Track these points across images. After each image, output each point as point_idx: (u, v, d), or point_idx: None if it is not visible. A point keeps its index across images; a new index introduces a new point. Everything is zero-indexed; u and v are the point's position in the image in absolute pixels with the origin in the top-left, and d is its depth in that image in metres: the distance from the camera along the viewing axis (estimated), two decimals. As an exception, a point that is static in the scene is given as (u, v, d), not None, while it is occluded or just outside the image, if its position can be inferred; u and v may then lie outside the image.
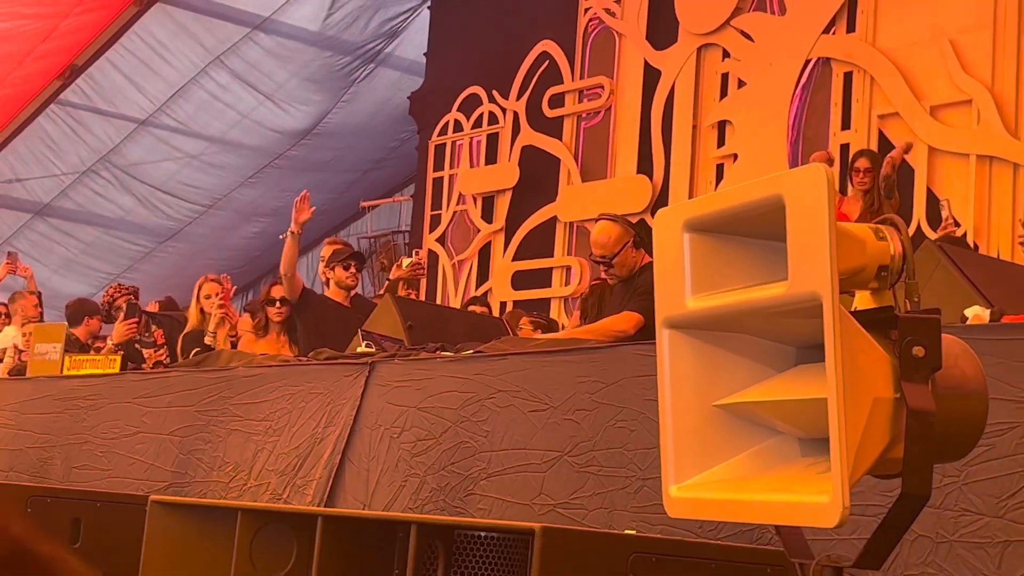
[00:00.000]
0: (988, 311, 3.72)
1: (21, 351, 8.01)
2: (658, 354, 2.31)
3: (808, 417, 2.08)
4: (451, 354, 4.97)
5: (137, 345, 7.86)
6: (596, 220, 6.08)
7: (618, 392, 3.94)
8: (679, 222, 2.28)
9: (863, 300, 2.20)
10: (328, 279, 7.45)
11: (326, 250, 7.72)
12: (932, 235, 8.03)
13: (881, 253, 2.13)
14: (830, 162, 9.05)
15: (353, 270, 7.36)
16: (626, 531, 3.07)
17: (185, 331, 7.82)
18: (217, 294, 7.61)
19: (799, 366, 2.18)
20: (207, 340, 7.27)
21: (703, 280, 2.25)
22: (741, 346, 2.24)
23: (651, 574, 2.77)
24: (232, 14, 13.11)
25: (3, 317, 9.33)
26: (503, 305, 12.15)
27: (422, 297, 12.04)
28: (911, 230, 8.29)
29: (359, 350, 5.58)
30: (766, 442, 2.20)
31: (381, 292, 8.77)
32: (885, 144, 9.68)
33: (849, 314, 2.04)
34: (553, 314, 11.21)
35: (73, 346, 7.68)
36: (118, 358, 6.92)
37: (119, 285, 9.06)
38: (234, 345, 7.46)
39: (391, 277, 9.33)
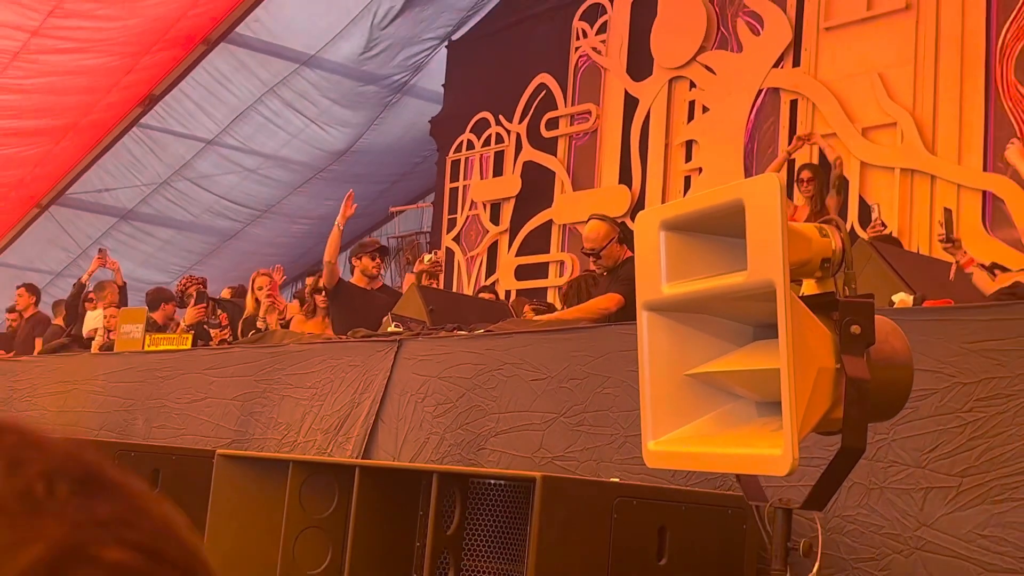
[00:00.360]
0: (912, 296, 3.72)
1: (109, 331, 8.01)
2: (638, 332, 2.30)
3: (764, 384, 2.07)
4: (465, 333, 4.97)
5: (205, 326, 7.86)
6: (587, 220, 6.08)
7: (605, 364, 3.93)
8: (656, 222, 2.27)
9: (809, 287, 2.19)
10: (355, 267, 7.44)
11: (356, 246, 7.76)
12: (864, 234, 8.01)
13: (824, 248, 2.12)
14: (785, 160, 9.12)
15: (378, 260, 7.35)
16: (611, 479, 3.06)
17: (244, 316, 7.83)
18: (267, 286, 7.62)
19: (756, 342, 2.18)
20: (259, 324, 7.28)
21: (676, 270, 2.24)
22: (707, 325, 2.23)
23: (632, 515, 2.76)
24: (284, 52, 13.11)
25: (90, 303, 9.33)
26: (508, 293, 12.14)
27: (441, 286, 12.07)
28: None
29: (389, 329, 5.58)
30: (728, 405, 2.20)
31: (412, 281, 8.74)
32: (824, 160, 9.69)
33: (798, 298, 2.03)
34: (550, 299, 11.19)
35: (152, 327, 7.68)
36: (189, 336, 6.93)
37: (191, 276, 9.05)
38: (286, 326, 7.47)
39: (415, 271, 9.34)
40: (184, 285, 8.65)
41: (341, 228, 7.20)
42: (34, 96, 12.24)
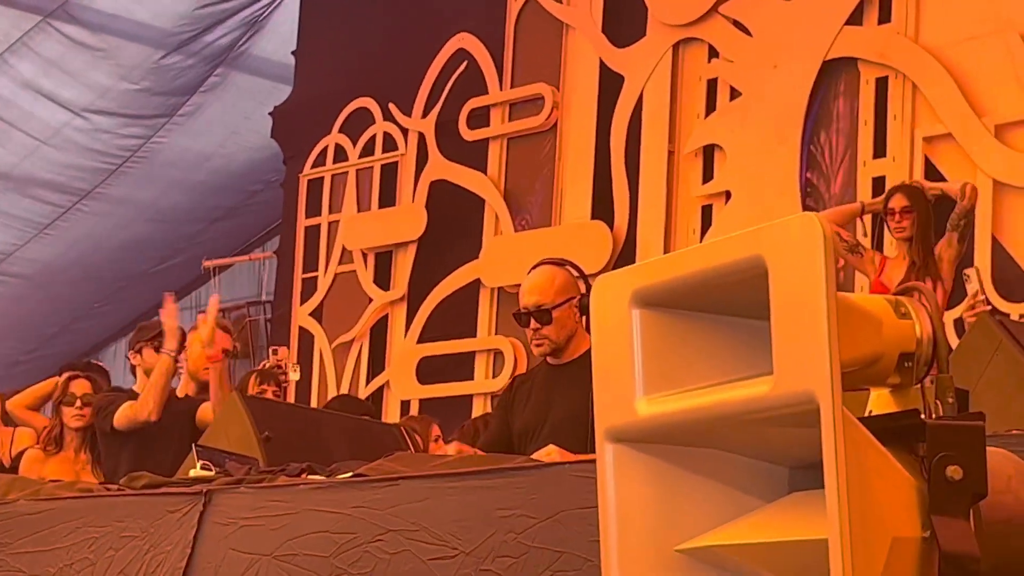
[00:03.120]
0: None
1: None
2: (599, 478, 2.31)
3: (804, 565, 2.08)
4: (322, 478, 4.95)
5: None
6: (533, 268, 6.09)
7: (554, 530, 3.94)
8: (626, 293, 2.29)
9: (880, 402, 2.21)
10: (134, 365, 7.43)
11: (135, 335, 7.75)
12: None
13: (904, 336, 2.15)
14: (861, 212, 9.12)
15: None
16: None
17: None
18: None
19: (792, 494, 2.19)
20: None
21: (659, 375, 2.26)
22: (712, 466, 2.25)
23: None
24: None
25: None
26: (405, 405, 12.15)
27: (290, 396, 12.04)
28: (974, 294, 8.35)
29: (192, 473, 5.54)
30: (745, 599, 2.22)
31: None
32: (934, 175, 9.77)
33: (858, 421, 2.05)
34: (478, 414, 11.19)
35: None
36: None
37: None
38: (13, 469, 7.40)
39: (253, 373, 9.35)
40: None
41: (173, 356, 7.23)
42: None
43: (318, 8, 14.21)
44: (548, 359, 6.03)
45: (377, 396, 12.27)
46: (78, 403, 7.46)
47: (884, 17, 10.41)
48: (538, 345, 5.90)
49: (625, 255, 11.28)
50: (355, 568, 4.36)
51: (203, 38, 13.97)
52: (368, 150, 13.45)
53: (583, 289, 5.78)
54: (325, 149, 13.74)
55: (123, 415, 7.13)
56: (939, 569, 2.03)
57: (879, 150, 10.26)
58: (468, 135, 12.69)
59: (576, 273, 5.96)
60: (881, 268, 8.54)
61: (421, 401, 12.13)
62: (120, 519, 5.10)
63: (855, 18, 10.51)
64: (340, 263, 13.50)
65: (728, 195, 11.09)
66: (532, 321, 5.82)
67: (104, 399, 7.42)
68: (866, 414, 2.16)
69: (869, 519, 1.98)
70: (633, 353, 2.27)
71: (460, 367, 12.37)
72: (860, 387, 2.19)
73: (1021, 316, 8.51)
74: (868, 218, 9.03)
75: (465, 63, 12.86)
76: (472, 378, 12.25)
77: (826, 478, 1.95)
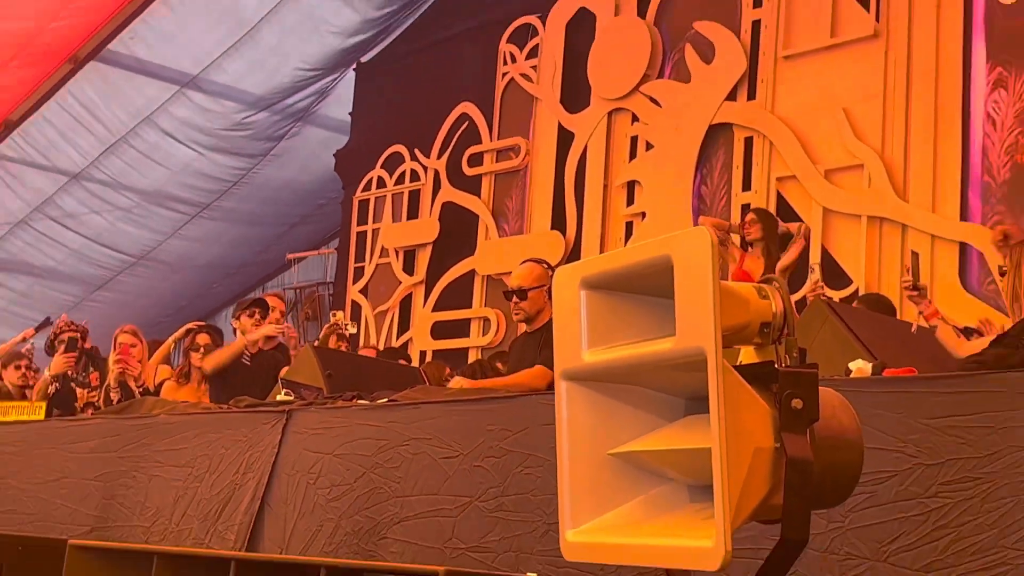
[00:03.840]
0: (871, 364, 3.76)
1: None
2: (556, 404, 2.31)
3: (695, 465, 2.08)
4: (367, 402, 4.94)
5: (73, 383, 7.74)
6: (521, 263, 6.22)
7: (525, 439, 3.93)
8: (576, 279, 2.29)
9: (747, 355, 2.21)
10: (235, 329, 7.41)
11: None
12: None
13: (763, 311, 2.15)
14: (727, 229, 9.17)
15: (257, 317, 7.33)
16: (529, 574, 3.06)
17: (106, 382, 7.73)
18: (132, 345, 7.56)
19: (687, 417, 2.19)
20: (112, 394, 7.17)
21: (598, 334, 2.25)
22: (634, 397, 2.24)
23: (552, 615, 2.76)
24: (164, 73, 13.04)
25: None
26: (423, 354, 12.10)
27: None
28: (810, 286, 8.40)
29: (279, 398, 5.54)
30: (657, 489, 2.20)
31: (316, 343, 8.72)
32: (783, 204, 9.79)
33: (732, 368, 2.05)
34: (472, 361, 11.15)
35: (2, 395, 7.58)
36: (43, 405, 6.82)
37: (70, 321, 8.88)
38: (156, 393, 7.38)
39: (325, 330, 9.30)
40: (59, 329, 8.46)
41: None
42: None
43: (367, 84, 14.13)
44: (524, 325, 6.12)
45: (403, 348, 12.22)
46: (201, 350, 7.43)
47: (751, 95, 10.40)
48: (516, 315, 6.03)
49: (573, 255, 11.26)
50: (389, 463, 4.35)
51: (287, 102, 13.88)
52: (399, 180, 13.37)
53: (550, 281, 5.82)
54: (371, 179, 13.67)
55: (207, 361, 7.16)
56: (785, 470, 2.03)
57: (746, 186, 10.26)
58: (468, 171, 12.62)
59: (548, 268, 6.03)
60: (741, 260, 8.69)
61: (434, 352, 12.10)
62: (229, 428, 5.10)
63: (731, 96, 10.49)
64: (380, 257, 13.42)
65: (644, 215, 11.07)
66: (514, 298, 5.92)
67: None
68: (738, 363, 2.16)
69: (738, 434, 1.98)
70: (580, 320, 2.26)
71: (460, 329, 12.35)
72: (733, 345, 2.19)
73: (840, 299, 8.51)
74: (738, 230, 9.04)
75: (467, 122, 12.80)
76: (468, 336, 12.23)
77: (711, 406, 1.95)
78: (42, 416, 6.63)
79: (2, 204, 13.81)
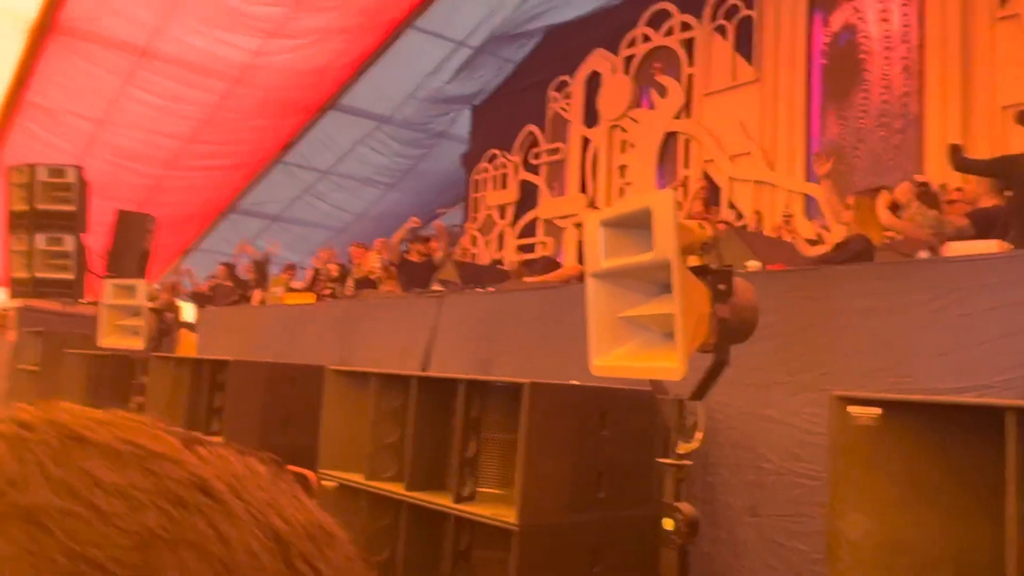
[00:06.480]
0: (760, 263, 3.68)
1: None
2: (586, 291, 2.27)
3: (665, 323, 2.04)
4: (483, 291, 4.92)
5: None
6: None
7: (568, 310, 3.90)
8: (597, 221, 2.23)
9: (693, 261, 2.15)
10: (410, 248, 7.36)
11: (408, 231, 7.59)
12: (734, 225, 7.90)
13: (702, 236, 2.08)
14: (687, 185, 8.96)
15: (420, 245, 7.30)
16: (572, 381, 3.04)
17: (357, 276, 7.71)
18: (380, 251, 7.55)
19: (660, 296, 2.14)
20: (347, 291, 7.15)
21: (610, 250, 2.20)
22: (631, 285, 2.20)
23: (585, 403, 2.75)
24: (369, 114, 12.99)
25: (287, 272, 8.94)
26: (511, 263, 12.06)
27: (469, 260, 11.99)
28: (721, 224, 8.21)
29: (435, 288, 5.54)
30: (644, 336, 2.17)
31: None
32: (712, 184, 9.57)
33: (686, 268, 2.00)
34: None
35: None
36: (314, 294, 6.82)
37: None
38: (375, 286, 7.41)
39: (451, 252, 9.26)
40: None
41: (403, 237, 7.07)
42: (219, 146, 12.20)
43: (478, 116, 13.97)
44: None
45: (500, 260, 12.23)
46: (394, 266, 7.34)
47: (688, 115, 10.13)
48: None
49: (592, 206, 11.16)
50: (497, 323, 4.32)
51: (430, 125, 13.74)
52: (498, 167, 13.27)
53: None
54: (481, 168, 13.57)
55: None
56: (717, 324, 1.98)
57: (685, 165, 10.04)
58: (532, 162, 12.52)
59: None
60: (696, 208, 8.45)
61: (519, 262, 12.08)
62: (411, 305, 5.07)
63: (677, 116, 10.25)
64: (486, 210, 13.37)
65: (629, 184, 10.90)
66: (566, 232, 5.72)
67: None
68: (688, 266, 2.11)
69: (689, 304, 1.93)
70: (600, 243, 2.21)
71: (529, 248, 12.29)
72: (686, 255, 2.13)
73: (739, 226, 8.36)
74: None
75: (531, 135, 12.64)
76: (534, 251, 12.16)
77: (673, 290, 1.90)
78: (313, 300, 6.64)
79: (291, 186, 13.90)
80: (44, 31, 9.56)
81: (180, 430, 0.32)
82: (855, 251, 3.49)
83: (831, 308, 2.81)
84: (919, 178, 5.87)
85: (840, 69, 8.78)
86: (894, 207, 4.50)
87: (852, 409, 1.77)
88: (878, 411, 1.74)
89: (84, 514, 0.27)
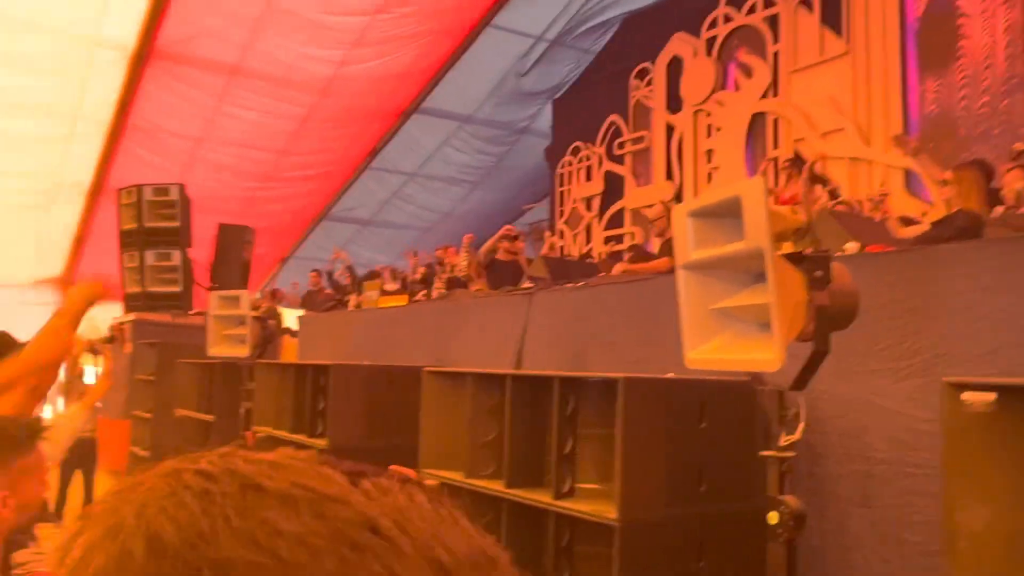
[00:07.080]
0: (857, 245, 3.55)
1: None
2: (677, 282, 2.25)
3: (760, 314, 2.01)
4: (572, 285, 4.91)
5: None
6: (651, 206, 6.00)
7: (659, 303, 3.85)
8: (685, 211, 2.22)
9: (787, 248, 2.11)
10: (499, 247, 7.39)
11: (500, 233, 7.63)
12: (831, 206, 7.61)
13: (795, 222, 2.05)
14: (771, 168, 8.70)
15: (507, 245, 7.30)
16: (668, 374, 3.01)
17: (447, 276, 7.80)
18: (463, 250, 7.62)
19: (754, 286, 2.11)
20: (433, 293, 7.21)
21: (700, 240, 2.18)
22: (722, 276, 2.17)
23: (682, 395, 2.72)
24: (451, 115, 13.13)
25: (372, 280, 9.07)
26: (599, 254, 12.01)
27: (558, 254, 12.00)
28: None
29: (525, 285, 5.55)
30: (737, 327, 2.14)
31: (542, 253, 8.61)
32: (799, 159, 9.26)
33: (779, 256, 1.96)
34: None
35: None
36: (406, 296, 6.93)
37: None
38: (464, 286, 7.49)
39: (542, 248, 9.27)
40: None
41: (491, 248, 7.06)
42: (309, 156, 12.61)
43: (559, 109, 13.92)
44: (658, 237, 5.85)
45: (589, 252, 12.17)
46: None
47: (775, 94, 9.84)
48: (655, 231, 5.69)
49: (678, 197, 10.98)
50: (587, 318, 4.30)
51: (511, 121, 13.78)
52: (582, 160, 13.21)
53: (670, 212, 5.55)
54: (565, 161, 13.54)
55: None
56: (815, 312, 1.94)
57: (775, 146, 9.75)
58: (616, 152, 12.38)
59: (666, 206, 5.74)
60: (786, 188, 8.11)
61: (605, 254, 11.99)
62: (502, 303, 5.11)
63: (763, 96, 9.97)
64: (572, 203, 13.31)
65: (717, 168, 10.67)
66: (654, 223, 5.63)
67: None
68: (782, 253, 2.07)
69: (785, 292, 1.90)
70: (689, 234, 2.19)
71: (617, 239, 12.20)
72: (779, 243, 2.09)
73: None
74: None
75: (614, 126, 12.53)
76: (622, 243, 12.07)
77: (768, 278, 1.87)
78: (406, 301, 6.76)
79: (380, 190, 14.17)
80: (143, 58, 10.08)
81: (346, 463, 0.34)
82: (960, 227, 3.32)
83: (938, 289, 2.69)
84: (1019, 146, 5.54)
85: (936, 35, 8.36)
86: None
87: (965, 395, 1.69)
88: (993, 396, 1.67)
89: (270, 564, 0.29)
